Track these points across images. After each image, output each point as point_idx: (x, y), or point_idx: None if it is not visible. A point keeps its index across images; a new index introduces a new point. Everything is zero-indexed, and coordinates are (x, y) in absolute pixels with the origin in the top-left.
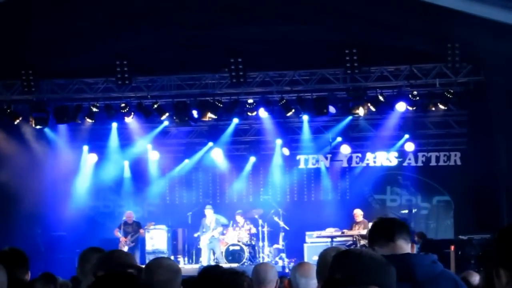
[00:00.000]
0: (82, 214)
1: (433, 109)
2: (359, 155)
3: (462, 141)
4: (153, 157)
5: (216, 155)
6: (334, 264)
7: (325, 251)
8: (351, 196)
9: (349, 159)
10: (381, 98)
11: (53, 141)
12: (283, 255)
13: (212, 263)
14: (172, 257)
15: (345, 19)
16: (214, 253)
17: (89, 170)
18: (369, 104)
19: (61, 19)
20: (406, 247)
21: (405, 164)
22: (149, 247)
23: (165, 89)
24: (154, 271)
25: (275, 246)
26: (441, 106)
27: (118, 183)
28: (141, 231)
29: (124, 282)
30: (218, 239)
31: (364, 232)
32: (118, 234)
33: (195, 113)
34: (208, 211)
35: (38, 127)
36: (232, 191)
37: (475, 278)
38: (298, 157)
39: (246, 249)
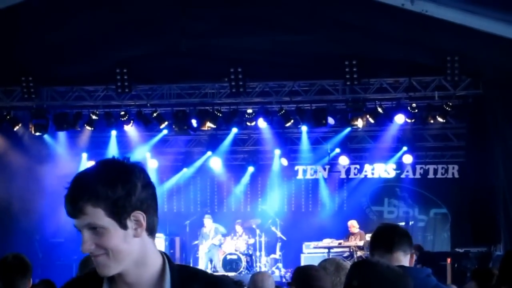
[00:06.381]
0: None
1: (432, 121)
2: (357, 166)
3: (460, 154)
4: (152, 165)
5: (215, 164)
6: (351, 273)
7: (322, 263)
8: (348, 207)
9: (347, 171)
10: (380, 110)
11: (53, 148)
12: (280, 265)
13: (210, 271)
14: None
15: (345, 30)
16: (211, 262)
17: None
18: (368, 116)
19: (62, 27)
20: (403, 259)
21: (403, 176)
22: None
23: (164, 98)
24: None
25: (272, 256)
26: (440, 119)
27: None
28: None
29: None
30: (218, 247)
31: (361, 243)
32: None
33: (194, 122)
34: (208, 221)
35: (37, 134)
36: (230, 201)
37: None
38: (296, 167)
39: (243, 258)
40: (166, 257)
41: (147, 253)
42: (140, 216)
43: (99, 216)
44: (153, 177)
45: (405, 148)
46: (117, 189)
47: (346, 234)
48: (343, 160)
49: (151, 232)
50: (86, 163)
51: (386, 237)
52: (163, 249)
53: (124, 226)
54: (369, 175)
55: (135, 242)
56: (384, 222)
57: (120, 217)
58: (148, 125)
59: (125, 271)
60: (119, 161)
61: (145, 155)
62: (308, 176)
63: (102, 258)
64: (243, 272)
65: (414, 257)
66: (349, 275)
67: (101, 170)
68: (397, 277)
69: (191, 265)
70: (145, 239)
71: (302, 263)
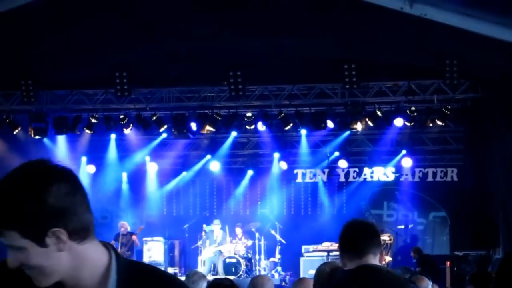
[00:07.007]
0: None
1: (431, 125)
2: (357, 169)
3: (459, 157)
4: (151, 169)
5: (214, 167)
6: (352, 277)
7: (322, 266)
8: (348, 210)
9: (347, 174)
10: (379, 113)
11: (52, 152)
12: (279, 268)
13: (209, 275)
14: (169, 269)
15: (345, 34)
16: (214, 266)
17: (87, 181)
18: (367, 119)
19: (61, 31)
20: (373, 261)
21: (402, 179)
22: (146, 258)
23: (164, 101)
24: None
25: (272, 259)
26: (439, 122)
27: (116, 195)
28: (134, 237)
29: None
30: (221, 253)
31: None
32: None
33: (193, 125)
34: (216, 226)
35: (37, 137)
36: (229, 204)
37: None
38: (295, 171)
39: (242, 261)
40: (114, 253)
41: (82, 259)
42: (58, 232)
43: (15, 238)
44: (153, 180)
45: (404, 152)
46: (25, 210)
47: None
48: (342, 164)
49: (84, 236)
50: (86, 166)
51: (356, 240)
52: (162, 253)
53: (43, 245)
54: (368, 179)
55: (60, 256)
56: (383, 225)
57: (35, 237)
58: (147, 128)
59: (61, 279)
60: (29, 173)
61: (145, 159)
62: (307, 180)
63: (31, 272)
64: (242, 276)
65: (385, 257)
66: (349, 279)
67: (9, 188)
68: (397, 282)
69: (191, 268)
70: (75, 248)
71: (302, 267)
